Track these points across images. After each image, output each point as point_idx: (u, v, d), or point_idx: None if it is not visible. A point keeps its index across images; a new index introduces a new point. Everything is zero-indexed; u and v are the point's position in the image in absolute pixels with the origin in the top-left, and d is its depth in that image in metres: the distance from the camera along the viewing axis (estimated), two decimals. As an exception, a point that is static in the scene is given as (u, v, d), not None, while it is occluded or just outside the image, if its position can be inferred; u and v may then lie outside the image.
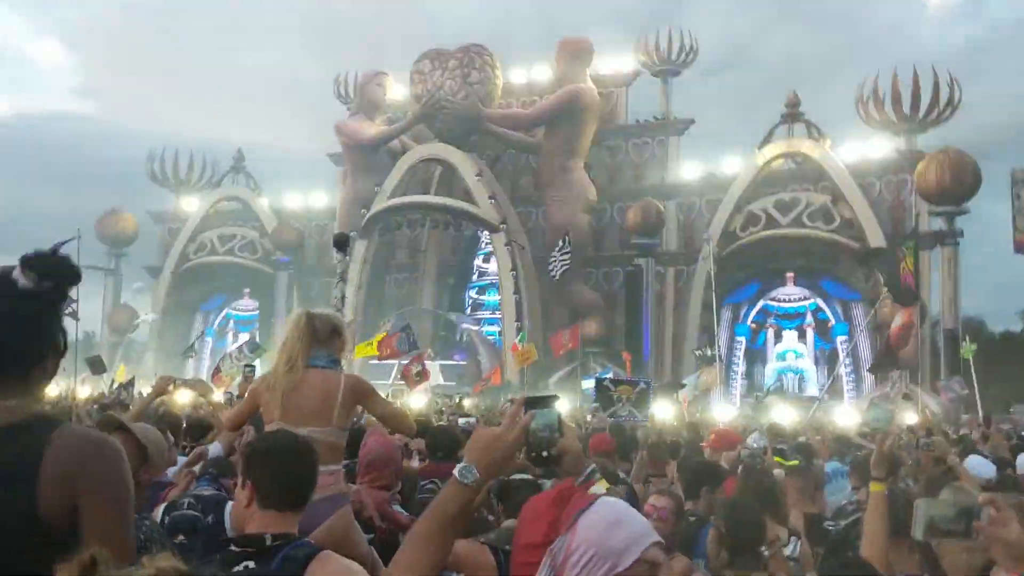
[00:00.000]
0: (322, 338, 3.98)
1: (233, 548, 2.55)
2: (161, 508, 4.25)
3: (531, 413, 1.91)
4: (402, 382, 22.13)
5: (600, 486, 1.98)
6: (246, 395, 4.47)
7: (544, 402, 1.97)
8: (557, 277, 36.15)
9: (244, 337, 47.76)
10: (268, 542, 2.48)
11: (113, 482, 2.03)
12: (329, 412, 3.88)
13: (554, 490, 1.55)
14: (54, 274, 2.11)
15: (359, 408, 4.50)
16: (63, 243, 2.17)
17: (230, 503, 4.31)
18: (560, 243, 35.73)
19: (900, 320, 30.71)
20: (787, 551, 4.71)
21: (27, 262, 2.09)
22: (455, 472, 1.89)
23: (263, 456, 2.68)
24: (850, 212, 34.72)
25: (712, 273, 33.07)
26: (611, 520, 1.50)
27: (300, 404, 3.85)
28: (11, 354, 2.06)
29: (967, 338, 23.71)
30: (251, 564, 2.46)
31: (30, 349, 2.10)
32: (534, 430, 1.90)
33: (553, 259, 35.99)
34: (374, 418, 4.71)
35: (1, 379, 2.05)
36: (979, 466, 6.96)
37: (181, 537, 4.03)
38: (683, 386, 24.78)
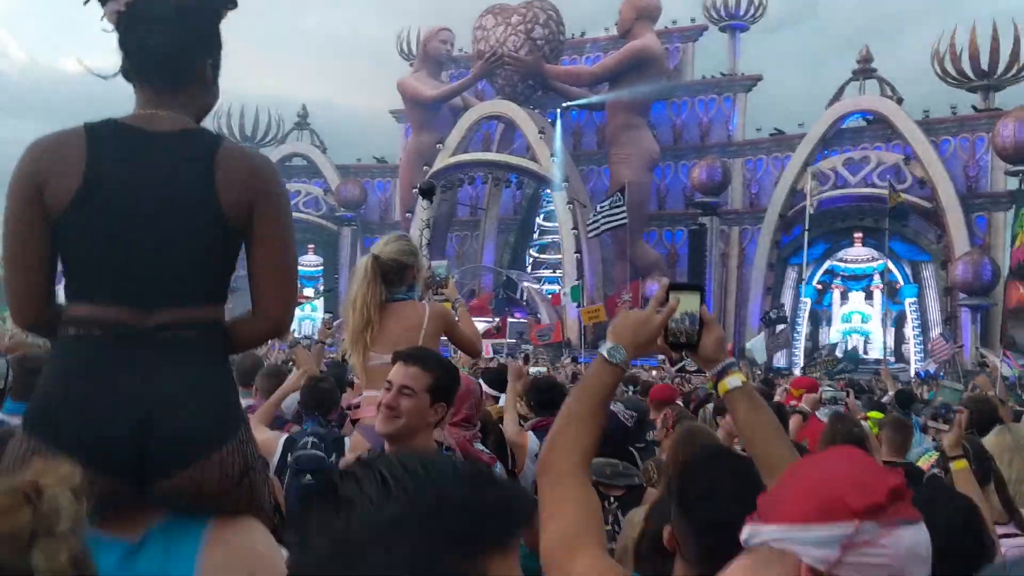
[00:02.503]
0: (393, 277, 4.05)
1: None
2: (281, 442, 4.40)
3: (676, 297, 1.93)
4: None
5: (736, 377, 1.94)
6: None
7: (688, 288, 1.97)
8: (592, 235, 35.24)
9: (309, 292, 48.75)
10: None
11: (284, 199, 2.14)
12: (415, 339, 3.96)
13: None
14: None
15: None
16: None
17: (347, 439, 4.44)
18: (613, 199, 34.58)
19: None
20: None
21: None
22: (603, 351, 1.91)
23: None
24: (922, 171, 33.83)
25: (809, 211, 32.24)
26: (927, 553, 1.29)
27: (385, 335, 3.93)
28: (176, 62, 2.06)
29: None
30: None
31: (191, 62, 2.09)
32: (675, 316, 1.92)
33: (597, 218, 34.73)
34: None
35: (163, 90, 2.06)
36: None
37: (308, 477, 4.16)
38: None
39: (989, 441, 4.47)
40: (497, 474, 4.25)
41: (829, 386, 9.27)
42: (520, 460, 5.19)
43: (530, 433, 5.51)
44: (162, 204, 1.97)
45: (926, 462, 6.04)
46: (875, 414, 6.81)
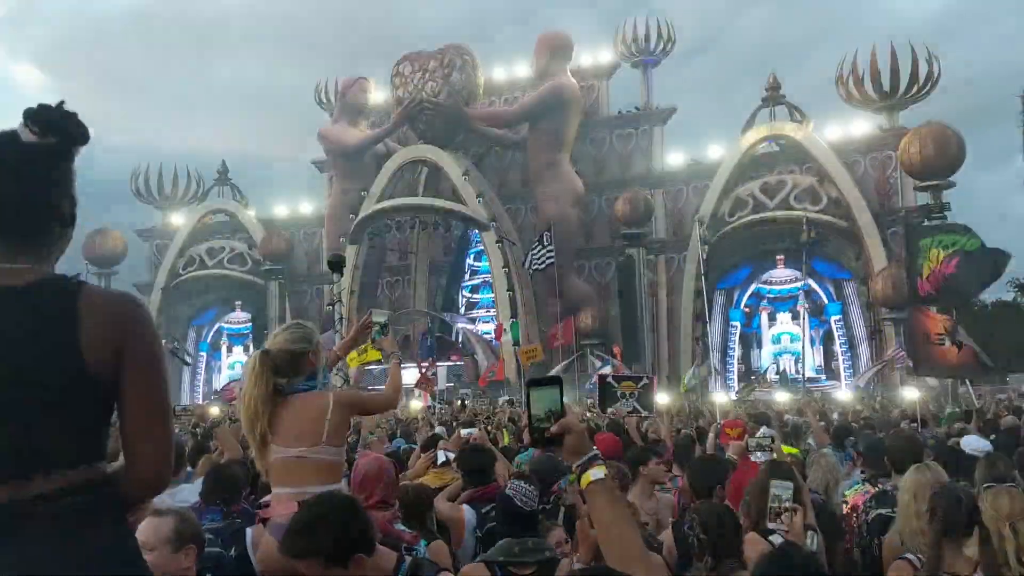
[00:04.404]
0: (286, 368, 3.93)
1: None
2: None
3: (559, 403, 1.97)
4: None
5: (599, 470, 1.99)
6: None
7: (547, 383, 2.01)
8: (532, 274, 36.08)
9: (238, 351, 47.80)
10: None
11: (153, 341, 1.98)
12: (319, 431, 3.85)
13: None
14: (58, 128, 1.94)
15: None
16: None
17: (249, 530, 4.17)
18: (541, 239, 35.43)
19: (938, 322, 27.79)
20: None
21: (30, 115, 1.92)
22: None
23: None
24: (836, 191, 34.90)
25: (701, 258, 32.96)
26: None
27: (287, 428, 3.82)
28: (12, 214, 1.89)
29: None
30: None
31: (46, 208, 1.94)
32: (536, 411, 1.97)
33: (531, 257, 35.69)
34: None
35: (18, 241, 1.90)
36: (974, 443, 7.17)
37: None
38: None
39: (908, 480, 4.20)
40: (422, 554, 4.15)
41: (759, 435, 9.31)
42: (457, 535, 5.07)
43: (466, 507, 5.36)
44: (22, 366, 1.80)
45: (854, 495, 6.15)
46: (790, 449, 6.96)
